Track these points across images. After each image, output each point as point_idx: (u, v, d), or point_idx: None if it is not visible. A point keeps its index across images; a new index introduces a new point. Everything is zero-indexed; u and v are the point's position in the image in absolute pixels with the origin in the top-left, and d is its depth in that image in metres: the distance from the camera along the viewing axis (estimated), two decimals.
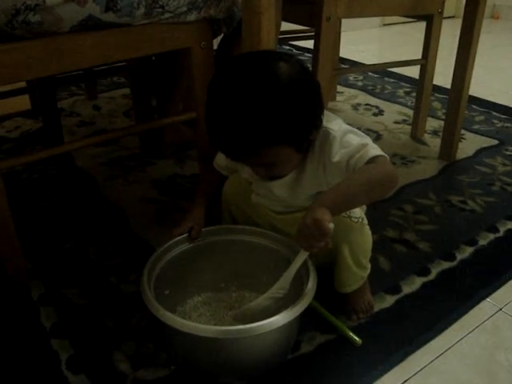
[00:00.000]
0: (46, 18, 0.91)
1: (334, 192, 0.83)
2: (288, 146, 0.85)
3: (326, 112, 0.92)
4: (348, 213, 0.92)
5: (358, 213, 0.94)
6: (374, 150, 0.86)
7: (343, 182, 0.85)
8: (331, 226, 0.79)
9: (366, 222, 0.95)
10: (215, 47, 1.31)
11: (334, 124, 0.91)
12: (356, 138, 0.88)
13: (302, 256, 0.87)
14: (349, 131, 0.90)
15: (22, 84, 1.82)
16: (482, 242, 1.27)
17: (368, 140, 0.88)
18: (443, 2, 1.67)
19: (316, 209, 0.79)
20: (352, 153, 0.86)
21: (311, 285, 0.85)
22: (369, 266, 1.00)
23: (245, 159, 0.88)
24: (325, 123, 0.91)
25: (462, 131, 1.79)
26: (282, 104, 0.80)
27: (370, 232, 0.97)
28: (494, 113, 2.16)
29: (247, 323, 0.79)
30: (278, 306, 0.88)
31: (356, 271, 0.97)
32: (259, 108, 0.79)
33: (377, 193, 0.86)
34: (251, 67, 0.83)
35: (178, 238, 0.98)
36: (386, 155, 0.86)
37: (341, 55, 2.39)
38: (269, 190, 0.97)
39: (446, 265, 1.18)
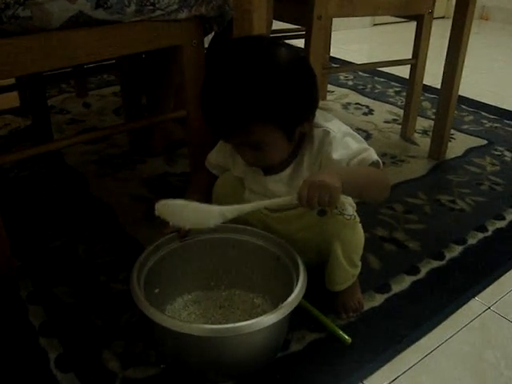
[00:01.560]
0: (36, 14, 0.91)
1: (345, 171, 0.86)
2: (277, 128, 0.85)
3: (323, 112, 0.94)
4: (341, 210, 0.93)
5: (351, 210, 0.94)
6: (375, 155, 0.89)
7: (351, 169, 0.88)
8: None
9: (358, 219, 0.95)
10: (206, 46, 1.31)
11: (333, 124, 0.93)
12: (355, 143, 0.90)
13: (287, 200, 0.85)
14: (348, 133, 0.92)
15: (11, 81, 1.80)
16: (471, 241, 1.27)
17: (367, 145, 0.91)
18: (433, 3, 1.67)
19: (336, 177, 0.79)
20: (354, 154, 0.88)
21: (301, 283, 0.85)
22: (360, 264, 1.00)
23: (233, 137, 0.87)
24: (324, 122, 0.92)
25: (452, 131, 1.80)
26: (276, 82, 0.81)
27: (362, 230, 0.97)
28: (483, 113, 2.17)
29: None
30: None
31: (348, 269, 0.97)
32: (253, 81, 0.80)
33: (373, 193, 0.91)
34: (252, 45, 0.86)
35: (168, 236, 0.98)
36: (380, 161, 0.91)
37: (331, 54, 2.39)
38: (264, 186, 0.97)
39: (436, 264, 1.19)
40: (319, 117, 0.93)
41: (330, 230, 0.94)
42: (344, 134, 0.91)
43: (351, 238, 0.95)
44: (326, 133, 0.91)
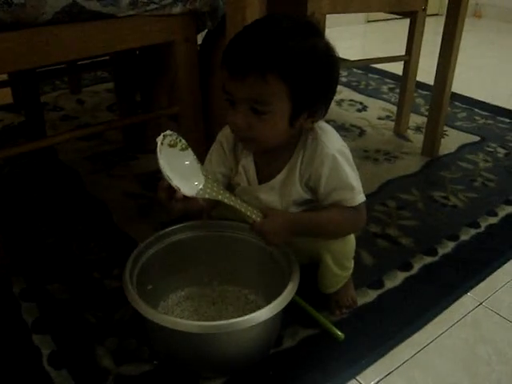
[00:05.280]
0: (30, 0, 0.89)
1: (304, 222, 0.91)
2: (290, 96, 0.81)
3: (322, 124, 0.91)
4: None
5: None
6: (360, 196, 0.90)
7: (312, 218, 0.91)
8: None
9: None
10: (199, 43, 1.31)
11: (328, 137, 0.90)
12: (347, 170, 0.89)
13: (251, 214, 0.88)
14: (342, 153, 0.89)
15: (4, 77, 1.79)
16: (464, 237, 1.28)
17: (356, 176, 0.90)
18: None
19: (288, 231, 0.88)
20: (339, 189, 0.89)
21: (294, 280, 0.85)
22: (352, 265, 1.00)
23: (245, 80, 0.80)
24: (319, 131, 0.90)
25: (445, 127, 1.81)
26: (310, 55, 0.82)
27: (352, 236, 0.97)
28: (476, 110, 2.18)
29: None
30: None
31: (340, 274, 0.98)
32: (292, 41, 0.80)
33: (327, 236, 0.94)
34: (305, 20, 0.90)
35: (161, 232, 0.98)
36: (364, 198, 0.91)
37: None
38: (255, 196, 0.95)
39: (428, 260, 1.19)
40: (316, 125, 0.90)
41: (319, 243, 0.94)
42: (338, 153, 0.88)
43: (341, 248, 0.95)
44: (320, 146, 0.88)
